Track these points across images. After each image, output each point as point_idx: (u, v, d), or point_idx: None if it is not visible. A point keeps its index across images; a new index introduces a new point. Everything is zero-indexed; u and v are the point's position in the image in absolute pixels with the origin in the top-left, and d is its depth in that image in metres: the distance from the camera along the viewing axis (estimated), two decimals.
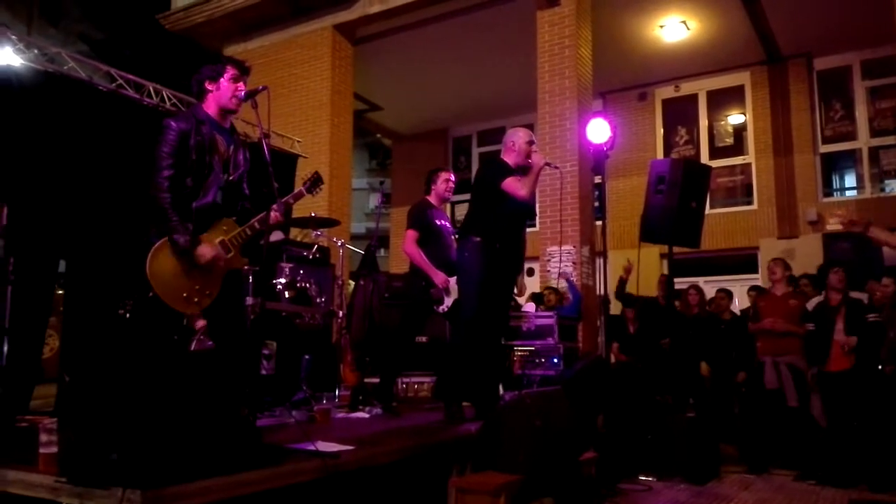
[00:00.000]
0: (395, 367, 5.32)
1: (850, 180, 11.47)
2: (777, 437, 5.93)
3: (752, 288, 7.64)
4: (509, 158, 4.53)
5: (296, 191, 3.59)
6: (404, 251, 5.05)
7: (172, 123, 3.21)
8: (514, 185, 4.33)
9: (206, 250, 3.17)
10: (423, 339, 6.00)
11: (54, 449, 2.61)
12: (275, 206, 3.35)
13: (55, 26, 18.55)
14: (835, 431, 5.67)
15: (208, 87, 3.37)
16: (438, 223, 5.07)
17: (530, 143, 4.53)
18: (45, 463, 2.60)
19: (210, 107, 3.37)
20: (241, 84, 3.40)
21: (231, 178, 3.37)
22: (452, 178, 5.26)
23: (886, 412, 5.47)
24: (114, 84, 5.72)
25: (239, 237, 3.32)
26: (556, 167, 4.67)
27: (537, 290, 8.71)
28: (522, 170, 4.44)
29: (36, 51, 5.26)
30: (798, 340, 5.94)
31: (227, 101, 3.37)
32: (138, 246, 3.16)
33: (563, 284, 7.95)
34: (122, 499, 2.18)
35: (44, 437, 2.64)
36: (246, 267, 3.58)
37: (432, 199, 5.19)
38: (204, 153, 3.23)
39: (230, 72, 3.38)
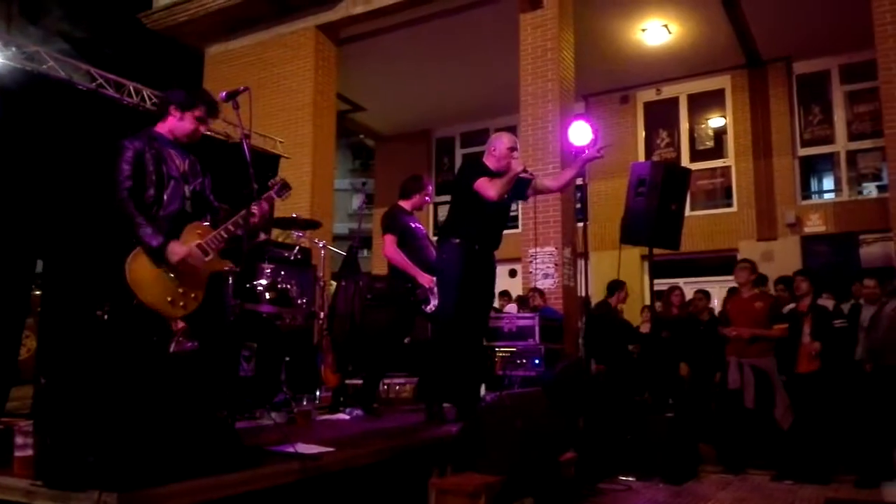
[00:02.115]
0: (379, 369, 5.31)
1: (828, 183, 11.62)
2: (750, 438, 5.99)
3: (730, 290, 7.72)
4: (490, 162, 4.53)
5: (266, 194, 3.55)
6: (385, 256, 5.04)
7: (126, 143, 3.20)
8: (485, 186, 4.33)
9: (176, 248, 3.13)
10: (406, 340, 6.00)
11: (30, 452, 2.59)
12: (254, 209, 3.33)
13: (35, 24, 18.33)
14: (797, 432, 5.74)
15: (173, 112, 3.36)
16: (413, 226, 5.09)
17: (511, 149, 4.50)
18: (21, 466, 2.58)
19: (164, 129, 3.37)
20: (203, 127, 3.41)
21: (194, 188, 3.37)
22: (431, 193, 5.28)
23: (864, 408, 5.58)
24: (94, 83, 5.66)
25: (215, 240, 3.30)
26: (533, 175, 4.67)
27: (521, 292, 8.75)
28: (501, 174, 4.42)
29: (14, 49, 5.20)
30: (764, 342, 5.97)
31: (182, 135, 3.38)
32: (117, 246, 3.13)
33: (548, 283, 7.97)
34: (98, 501, 2.17)
35: (19, 440, 2.62)
36: (227, 268, 3.56)
37: (406, 205, 5.19)
38: (161, 164, 3.23)
39: (200, 110, 3.37)
